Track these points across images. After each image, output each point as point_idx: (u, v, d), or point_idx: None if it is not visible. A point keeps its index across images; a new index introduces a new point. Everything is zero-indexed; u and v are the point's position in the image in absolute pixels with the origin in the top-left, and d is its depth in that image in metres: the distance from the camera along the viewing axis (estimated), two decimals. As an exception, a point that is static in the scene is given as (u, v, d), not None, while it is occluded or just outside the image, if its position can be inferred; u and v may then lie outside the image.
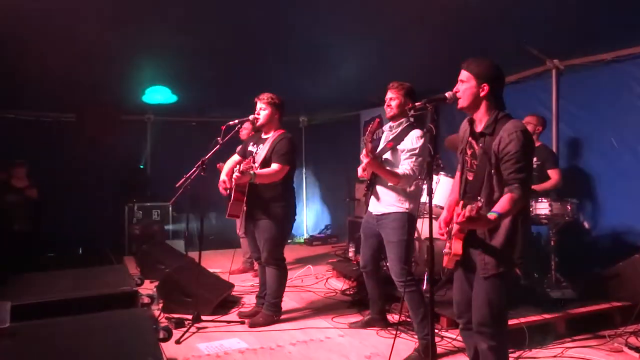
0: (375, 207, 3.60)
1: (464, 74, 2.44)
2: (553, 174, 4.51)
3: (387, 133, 3.62)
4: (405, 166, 3.38)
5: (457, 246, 2.30)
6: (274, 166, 3.94)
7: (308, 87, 6.39)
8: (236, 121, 4.12)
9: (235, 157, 4.31)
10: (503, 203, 2.24)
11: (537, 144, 4.77)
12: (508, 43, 4.62)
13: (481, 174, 2.38)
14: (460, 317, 2.61)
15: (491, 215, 2.21)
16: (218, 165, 4.81)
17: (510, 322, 3.54)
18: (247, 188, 3.97)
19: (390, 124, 3.60)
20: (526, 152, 2.28)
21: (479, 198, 2.33)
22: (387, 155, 3.51)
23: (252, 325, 4.05)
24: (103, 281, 3.52)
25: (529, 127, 4.68)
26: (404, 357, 3.36)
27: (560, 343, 3.58)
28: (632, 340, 3.59)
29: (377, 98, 7.50)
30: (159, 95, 6.70)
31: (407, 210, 3.46)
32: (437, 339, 3.53)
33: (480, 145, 2.41)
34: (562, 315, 3.76)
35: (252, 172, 3.77)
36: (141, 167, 7.83)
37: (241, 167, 3.80)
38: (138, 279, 4.38)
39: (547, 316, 3.71)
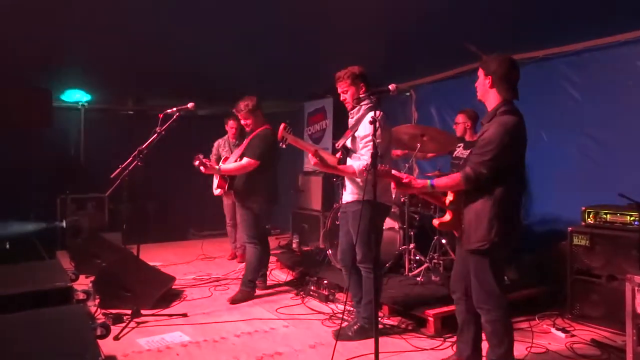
0: (344, 196, 3.63)
1: None
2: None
3: (350, 121, 3.59)
4: (363, 157, 3.33)
5: None
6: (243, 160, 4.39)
7: (250, 78, 6.30)
8: (174, 109, 4.02)
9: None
10: None
11: (475, 137, 4.97)
12: (449, 40, 4.77)
13: None
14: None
15: None
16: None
17: (447, 309, 3.69)
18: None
19: (351, 111, 3.57)
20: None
21: None
22: (349, 143, 3.50)
23: (233, 301, 4.45)
24: (34, 277, 3.33)
25: (459, 127, 4.88)
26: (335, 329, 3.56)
27: (494, 326, 3.77)
28: (559, 321, 3.84)
29: (320, 89, 7.55)
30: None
31: (362, 198, 3.31)
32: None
33: None
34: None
35: (216, 167, 4.34)
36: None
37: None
38: (72, 274, 4.18)
39: (482, 301, 3.88)
